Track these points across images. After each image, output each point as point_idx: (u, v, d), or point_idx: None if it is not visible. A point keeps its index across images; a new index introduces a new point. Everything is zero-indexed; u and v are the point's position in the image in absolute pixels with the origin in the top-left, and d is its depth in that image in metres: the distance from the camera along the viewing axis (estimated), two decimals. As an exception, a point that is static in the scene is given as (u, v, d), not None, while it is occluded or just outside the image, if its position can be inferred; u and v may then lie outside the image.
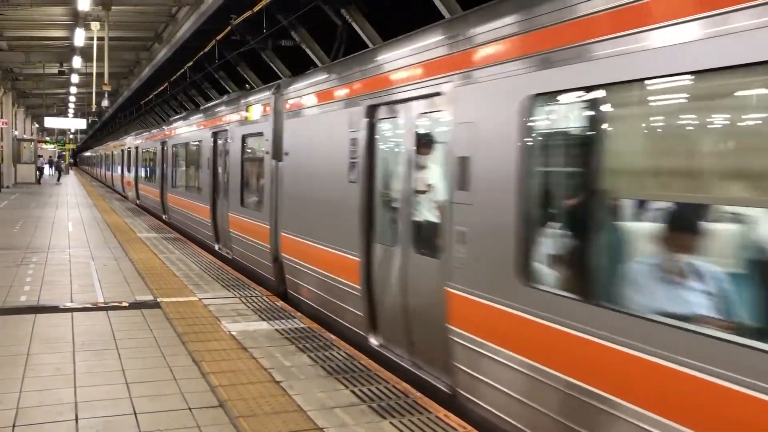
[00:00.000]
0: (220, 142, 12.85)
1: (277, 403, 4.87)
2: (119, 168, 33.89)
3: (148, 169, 23.66)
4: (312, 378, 5.46)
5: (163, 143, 19.79)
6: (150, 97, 36.25)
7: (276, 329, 6.98)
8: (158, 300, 8.27)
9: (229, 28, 18.00)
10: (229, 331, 6.83)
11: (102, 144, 53.71)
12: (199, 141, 14.74)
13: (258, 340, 6.53)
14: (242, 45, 18.74)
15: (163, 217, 19.36)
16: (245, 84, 22.20)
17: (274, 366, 5.74)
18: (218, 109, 13.34)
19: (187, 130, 16.48)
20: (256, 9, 16.13)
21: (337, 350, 6.26)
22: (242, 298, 8.47)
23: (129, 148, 28.87)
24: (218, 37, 19.79)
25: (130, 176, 28.46)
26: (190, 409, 4.79)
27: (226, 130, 12.19)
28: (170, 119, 21.97)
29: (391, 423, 4.56)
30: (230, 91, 23.93)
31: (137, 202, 25.59)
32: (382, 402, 4.93)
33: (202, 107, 17.20)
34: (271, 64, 19.53)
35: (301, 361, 5.90)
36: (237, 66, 22.32)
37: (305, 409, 4.76)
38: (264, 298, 8.56)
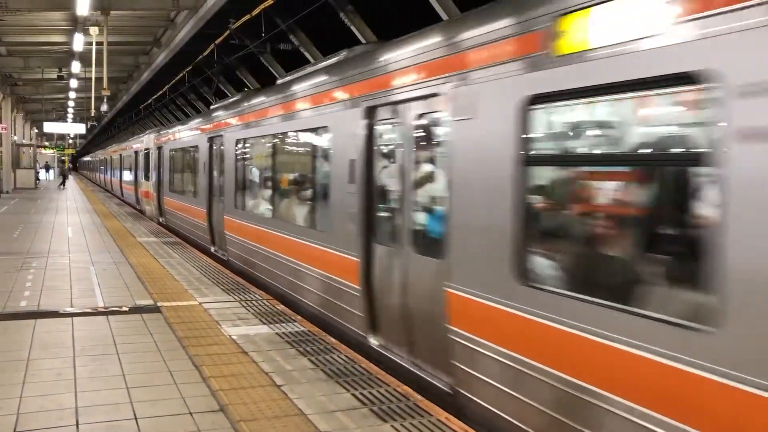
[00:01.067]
0: (396, 128, 6.07)
1: (278, 407, 4.86)
2: (131, 175, 27.02)
3: (180, 177, 17.25)
4: (313, 381, 5.45)
5: (214, 140, 13.21)
6: (149, 101, 36.28)
7: (276, 333, 6.97)
8: (158, 304, 8.26)
9: (227, 32, 18.04)
10: (230, 335, 6.82)
11: (107, 145, 47.96)
12: (314, 129, 8.00)
13: (258, 344, 6.52)
14: (241, 49, 18.78)
15: (212, 249, 13.13)
16: (244, 87, 22.23)
17: (275, 370, 5.73)
18: (380, 60, 6.39)
19: (274, 114, 9.47)
20: (254, 13, 16.17)
21: (338, 353, 6.25)
22: (243, 302, 8.46)
23: (148, 149, 22.17)
24: (217, 41, 19.83)
25: (149, 186, 21.57)
26: (191, 413, 4.79)
27: (431, 96, 5.35)
28: (225, 101, 14.04)
29: (392, 426, 4.55)
30: (229, 94, 23.89)
31: (160, 219, 19.74)
32: (383, 405, 4.93)
33: (314, 65, 9.26)
34: (270, 68, 19.57)
35: (301, 365, 5.89)
36: (236, 70, 22.37)
37: (306, 413, 4.75)
38: (264, 302, 8.55)
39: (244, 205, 11.08)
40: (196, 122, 15.74)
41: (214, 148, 13.15)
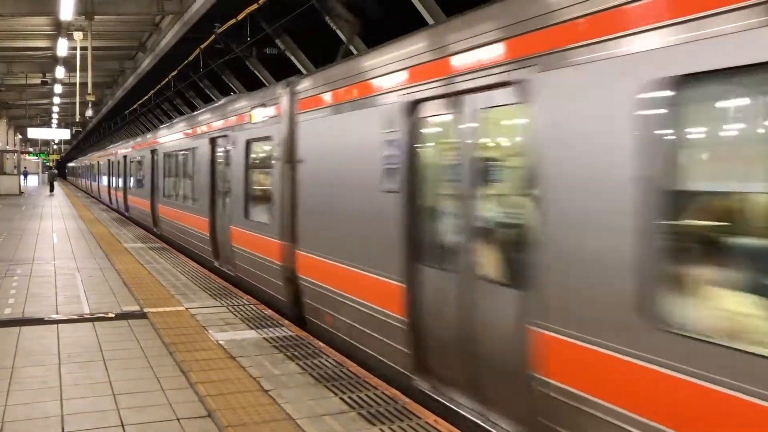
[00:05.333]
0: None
1: (266, 412, 4.85)
2: (167, 190, 15.70)
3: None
4: (301, 386, 5.44)
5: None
6: (135, 106, 36.12)
7: (264, 338, 6.95)
8: (145, 310, 8.21)
9: (213, 36, 18.00)
10: (217, 341, 6.80)
11: (116, 142, 34.75)
12: None
13: (246, 349, 6.50)
14: (226, 53, 18.75)
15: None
16: (230, 92, 22.18)
17: (263, 374, 5.72)
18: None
19: None
20: (240, 17, 16.15)
21: (326, 357, 6.24)
22: (230, 307, 8.43)
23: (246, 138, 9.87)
24: (202, 46, 19.78)
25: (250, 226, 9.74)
26: (178, 419, 4.76)
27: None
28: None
29: (380, 429, 4.55)
30: (215, 100, 23.80)
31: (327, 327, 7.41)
32: (372, 408, 4.93)
33: None
34: (256, 72, 19.53)
35: (289, 369, 5.88)
36: (221, 74, 22.32)
37: (295, 418, 4.74)
38: (252, 306, 8.52)
39: None
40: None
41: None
